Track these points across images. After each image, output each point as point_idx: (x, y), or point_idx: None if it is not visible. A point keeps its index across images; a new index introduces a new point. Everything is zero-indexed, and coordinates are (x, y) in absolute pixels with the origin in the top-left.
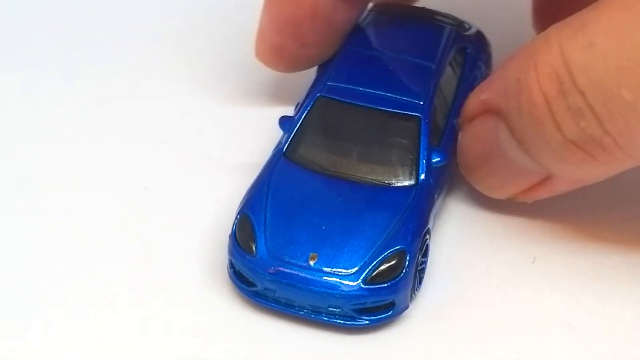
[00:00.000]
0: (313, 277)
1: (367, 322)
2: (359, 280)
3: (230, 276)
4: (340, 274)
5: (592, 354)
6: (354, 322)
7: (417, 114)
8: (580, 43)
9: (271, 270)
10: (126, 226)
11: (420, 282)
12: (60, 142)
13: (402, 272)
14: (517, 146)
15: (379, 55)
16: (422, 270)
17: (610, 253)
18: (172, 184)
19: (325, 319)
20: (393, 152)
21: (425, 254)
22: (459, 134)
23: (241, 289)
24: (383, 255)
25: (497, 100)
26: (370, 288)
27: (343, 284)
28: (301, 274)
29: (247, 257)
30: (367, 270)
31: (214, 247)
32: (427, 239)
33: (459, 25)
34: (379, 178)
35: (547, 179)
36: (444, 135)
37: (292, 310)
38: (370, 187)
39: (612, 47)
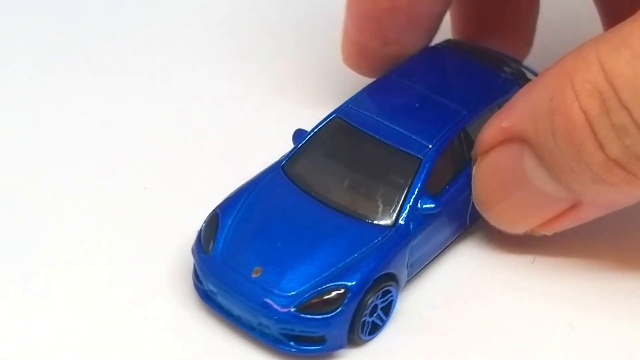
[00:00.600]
0: (249, 290)
1: (294, 349)
2: (291, 306)
3: (192, 271)
4: (275, 293)
5: (592, 354)
6: (281, 346)
7: (419, 156)
8: (624, 57)
9: None
10: (126, 226)
11: (371, 331)
12: (60, 141)
13: (337, 308)
14: (546, 173)
15: (415, 90)
16: (380, 320)
17: (610, 253)
18: (172, 184)
19: (258, 335)
20: (382, 189)
21: (387, 304)
22: (474, 168)
23: (195, 285)
24: (323, 287)
25: (522, 125)
26: (300, 316)
27: (274, 304)
28: (239, 284)
29: (202, 254)
30: (302, 297)
31: None
32: (389, 286)
33: (520, 74)
34: (360, 211)
35: (574, 206)
36: (453, 184)
37: (231, 318)
38: (346, 217)
39: None
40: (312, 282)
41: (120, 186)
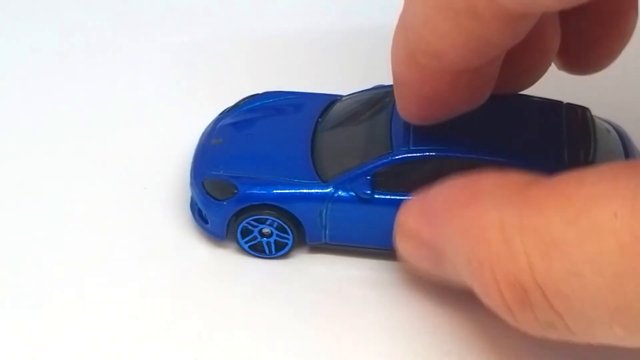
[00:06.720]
0: None
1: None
2: None
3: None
4: None
5: (591, 353)
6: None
7: None
8: (560, 268)
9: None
10: (126, 226)
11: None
12: (60, 141)
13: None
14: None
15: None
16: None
17: None
18: (172, 184)
19: None
20: None
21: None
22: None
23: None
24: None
25: (442, 245)
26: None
27: None
28: None
29: None
30: None
31: (214, 247)
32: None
33: None
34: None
35: None
36: None
37: None
38: None
39: (608, 287)
40: None
41: (121, 186)
